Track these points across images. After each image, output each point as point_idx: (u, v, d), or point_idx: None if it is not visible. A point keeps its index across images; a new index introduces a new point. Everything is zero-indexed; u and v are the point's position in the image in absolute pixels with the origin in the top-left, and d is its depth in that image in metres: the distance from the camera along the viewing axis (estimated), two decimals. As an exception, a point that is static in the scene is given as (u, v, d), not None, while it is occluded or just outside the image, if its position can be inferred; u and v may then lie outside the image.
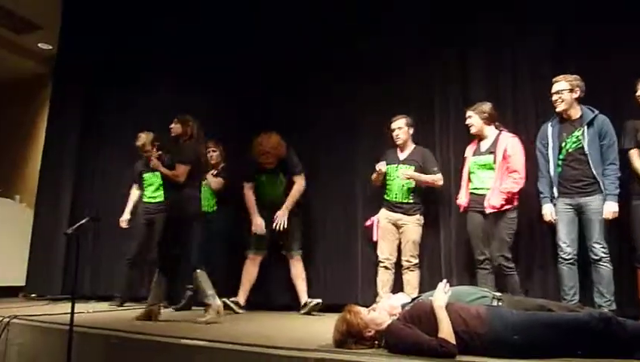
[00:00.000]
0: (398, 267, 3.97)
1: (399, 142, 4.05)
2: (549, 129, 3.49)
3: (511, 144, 3.56)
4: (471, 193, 3.68)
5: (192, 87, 5.21)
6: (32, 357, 3.34)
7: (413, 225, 3.93)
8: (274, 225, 4.17)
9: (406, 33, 4.44)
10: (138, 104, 5.56)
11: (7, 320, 3.53)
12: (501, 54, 4.08)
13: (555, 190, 3.42)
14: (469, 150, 3.79)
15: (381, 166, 3.97)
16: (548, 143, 3.47)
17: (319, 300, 4.06)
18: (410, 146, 4.08)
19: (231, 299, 4.15)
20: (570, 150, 3.37)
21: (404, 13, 4.47)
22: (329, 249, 4.49)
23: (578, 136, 3.36)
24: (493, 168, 3.59)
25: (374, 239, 4.08)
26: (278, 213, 4.19)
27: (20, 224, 6.15)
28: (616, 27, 3.59)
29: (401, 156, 4.07)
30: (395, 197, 3.99)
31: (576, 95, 3.38)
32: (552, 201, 3.44)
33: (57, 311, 3.87)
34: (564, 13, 3.86)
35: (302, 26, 4.87)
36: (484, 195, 3.58)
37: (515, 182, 3.49)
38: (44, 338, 3.32)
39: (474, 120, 3.70)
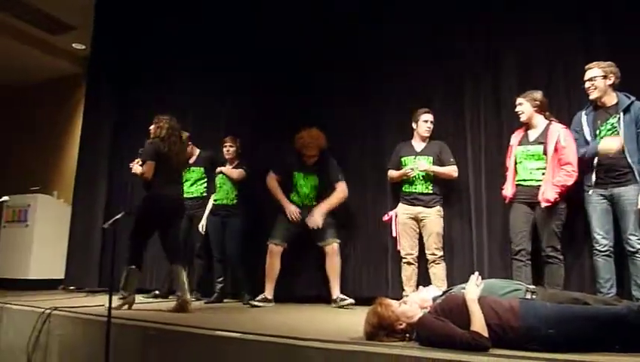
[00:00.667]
0: (422, 261, 3.94)
1: (428, 134, 4.02)
2: (584, 117, 3.40)
3: (563, 135, 3.39)
4: (517, 184, 3.56)
5: (221, 83, 5.33)
6: (72, 347, 3.46)
7: (434, 217, 3.90)
8: (310, 225, 4.16)
9: (433, 24, 4.38)
10: (170, 100, 5.65)
11: (49, 311, 3.67)
12: (533, 44, 3.96)
13: (593, 177, 3.29)
14: (515, 138, 3.63)
15: (413, 168, 3.92)
16: (583, 131, 3.37)
17: (352, 301, 4.02)
18: (427, 139, 4.06)
19: (257, 299, 4.19)
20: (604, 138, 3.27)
21: (431, 3, 4.41)
22: (359, 243, 4.49)
23: (613, 124, 3.26)
24: (542, 159, 3.45)
25: (394, 234, 4.05)
26: (315, 211, 4.18)
27: (59, 219, 6.36)
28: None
29: (418, 148, 4.04)
30: (415, 189, 3.95)
31: (610, 82, 3.28)
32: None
33: (95, 303, 4.00)
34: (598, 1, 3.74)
35: (327, 21, 4.86)
36: (530, 187, 3.47)
37: (569, 175, 3.32)
38: (84, 330, 3.43)
39: (525, 107, 3.55)
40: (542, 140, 3.48)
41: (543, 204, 3.36)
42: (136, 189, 5.53)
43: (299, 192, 4.40)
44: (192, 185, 4.89)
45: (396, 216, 4.04)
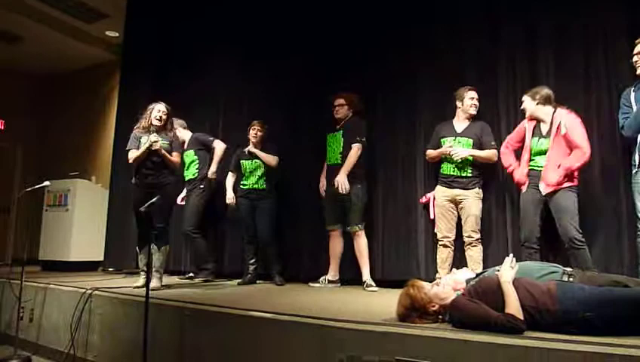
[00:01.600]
0: (459, 243, 3.89)
1: (475, 111, 3.94)
2: (632, 93, 3.27)
3: (564, 121, 3.36)
4: (531, 169, 3.51)
5: (256, 69, 5.37)
6: (112, 326, 3.60)
7: (473, 199, 3.82)
8: (338, 189, 4.15)
9: (470, 9, 4.27)
10: (204, 87, 5.74)
11: (90, 291, 3.82)
12: (571, 27, 3.81)
13: (637, 157, 3.19)
14: (529, 126, 3.59)
15: (449, 150, 3.84)
16: (632, 107, 3.24)
17: (376, 289, 4.05)
18: (467, 121, 3.97)
19: (320, 280, 4.32)
20: None
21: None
22: (391, 225, 4.45)
23: None
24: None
25: (431, 217, 4.02)
26: (337, 178, 4.16)
27: (97, 203, 6.55)
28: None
29: (459, 129, 3.95)
30: (453, 171, 3.89)
31: None
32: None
33: (133, 284, 4.13)
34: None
35: (362, 7, 4.79)
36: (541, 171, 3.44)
37: (577, 159, 3.30)
38: (123, 309, 3.56)
39: (526, 103, 3.56)
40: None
41: (546, 189, 3.35)
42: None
43: (328, 152, 4.45)
44: (187, 169, 5.01)
45: (434, 198, 4.00)
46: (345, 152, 4.27)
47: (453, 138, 3.92)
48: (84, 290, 3.87)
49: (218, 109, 5.67)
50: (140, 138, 4.10)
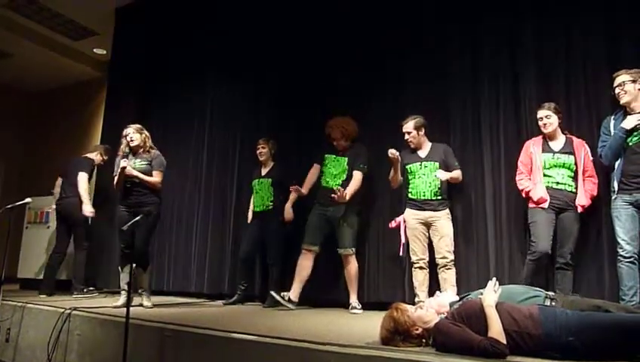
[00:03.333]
0: (433, 266, 3.90)
1: (411, 145, 4.01)
2: (612, 122, 3.37)
3: (586, 150, 3.54)
4: (549, 188, 3.52)
5: (242, 86, 5.42)
6: (91, 347, 3.51)
7: (445, 220, 3.86)
8: (336, 195, 4.14)
9: (453, 35, 4.37)
10: (189, 106, 5.75)
11: (69, 311, 3.73)
12: (553, 54, 3.92)
13: (615, 184, 3.27)
14: (536, 147, 3.62)
15: (393, 151, 3.90)
16: (610, 136, 3.33)
17: (360, 311, 4.03)
18: (428, 145, 4.03)
19: (282, 294, 4.21)
20: (631, 144, 3.22)
21: (449, 8, 4.40)
22: (375, 247, 4.46)
23: None
24: (571, 168, 3.52)
25: (403, 241, 4.02)
26: (343, 189, 4.16)
27: (80, 221, 6.43)
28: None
29: (422, 154, 4.01)
30: (423, 195, 3.91)
31: (639, 86, 3.25)
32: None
33: (114, 303, 4.05)
34: (618, 11, 3.69)
35: (350, 23, 4.87)
36: (562, 191, 3.49)
37: (595, 185, 3.50)
38: (102, 330, 3.48)
39: (553, 119, 3.58)
40: (569, 151, 3.55)
41: (580, 209, 3.46)
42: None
43: (326, 174, 4.42)
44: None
45: (404, 221, 4.01)
46: (349, 180, 4.30)
47: (419, 163, 3.96)
48: (62, 310, 3.78)
49: (204, 128, 5.68)
50: (120, 163, 4.17)
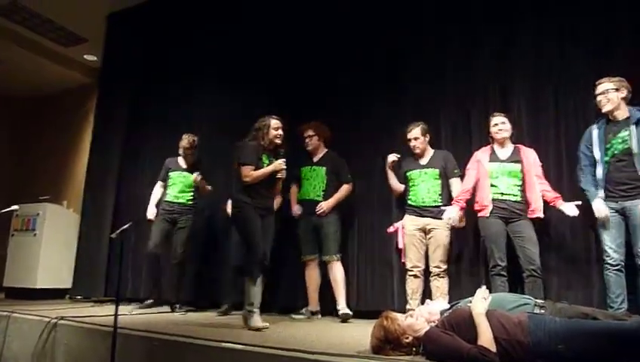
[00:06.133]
0: (427, 273, 3.90)
1: (417, 151, 4.02)
2: (594, 131, 3.39)
3: (535, 156, 3.62)
4: (494, 199, 3.58)
5: (234, 93, 5.36)
6: (77, 357, 3.46)
7: (443, 229, 3.85)
8: (317, 209, 4.20)
9: (442, 44, 4.42)
10: (178, 113, 5.73)
11: (55, 321, 3.68)
12: (541, 63, 3.99)
13: (601, 192, 3.30)
14: (484, 155, 3.71)
15: (391, 156, 3.98)
16: (593, 145, 3.37)
17: (350, 314, 4.01)
18: (430, 151, 4.05)
19: (302, 311, 4.25)
20: (616, 152, 3.26)
21: (437, 19, 4.46)
22: (365, 255, 4.46)
23: (624, 137, 3.24)
24: (517, 176, 3.58)
25: (400, 246, 4.03)
26: (322, 203, 4.23)
27: (68, 228, 6.37)
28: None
29: (422, 161, 4.03)
30: (423, 202, 3.93)
31: (622, 95, 3.29)
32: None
33: (101, 312, 4.01)
34: (608, 23, 3.77)
35: (341, 32, 4.91)
36: (509, 201, 3.55)
37: (550, 191, 3.56)
38: (89, 339, 3.43)
39: (508, 126, 3.68)
40: (516, 159, 3.62)
41: (537, 215, 3.51)
42: (145, 199, 5.55)
43: (305, 186, 4.40)
44: (181, 192, 4.89)
45: (402, 227, 4.01)
46: (329, 190, 4.31)
47: (419, 170, 3.98)
48: (49, 319, 3.73)
49: (200, 134, 5.63)
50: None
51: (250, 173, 3.58)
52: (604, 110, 3.33)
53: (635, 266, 3.15)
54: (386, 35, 4.68)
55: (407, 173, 4.04)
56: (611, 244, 3.22)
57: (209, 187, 4.89)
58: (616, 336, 2.05)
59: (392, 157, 4.05)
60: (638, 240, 3.13)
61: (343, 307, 4.10)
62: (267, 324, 3.45)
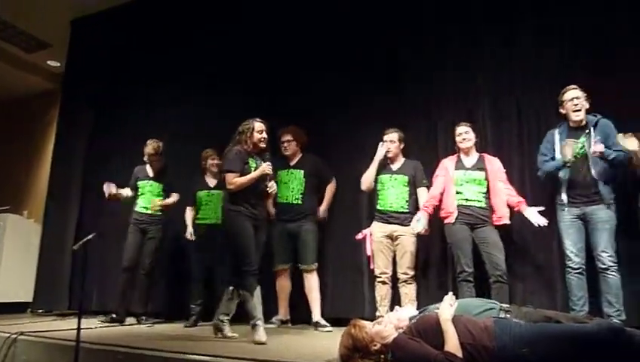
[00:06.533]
0: (395, 280, 3.93)
1: (391, 155, 4.06)
2: (557, 135, 3.49)
3: (498, 164, 3.69)
4: (459, 205, 3.65)
5: (198, 100, 5.34)
6: (38, 374, 3.34)
7: (409, 236, 3.88)
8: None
9: (411, 54, 4.49)
10: (144, 119, 5.63)
11: (14, 336, 3.54)
12: (504, 71, 4.11)
13: (564, 196, 3.38)
14: (450, 163, 3.78)
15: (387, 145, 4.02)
16: (554, 149, 3.46)
17: (330, 329, 3.94)
18: (401, 159, 4.10)
19: (272, 320, 4.16)
20: (579, 157, 3.34)
21: (405, 35, 4.53)
22: (336, 262, 4.46)
23: (583, 143, 3.35)
24: (482, 184, 3.66)
25: (368, 253, 4.05)
26: (320, 211, 4.37)
27: (29, 240, 6.19)
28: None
29: (394, 167, 4.07)
30: (390, 207, 3.96)
31: (587, 105, 3.41)
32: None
33: (64, 326, 3.88)
34: (570, 34, 3.92)
35: (303, 37, 4.94)
36: (474, 207, 3.62)
37: (515, 196, 3.64)
38: (50, 354, 3.31)
39: (472, 135, 3.75)
40: (480, 167, 3.69)
41: (503, 221, 3.59)
42: (109, 209, 5.42)
43: (283, 189, 4.32)
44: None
45: (370, 234, 4.03)
46: (308, 192, 4.30)
47: (390, 175, 4.02)
48: (8, 335, 3.57)
49: (165, 141, 5.54)
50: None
51: (233, 180, 3.42)
52: (576, 118, 3.40)
53: (596, 269, 3.24)
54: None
55: (379, 176, 4.06)
56: (572, 248, 3.30)
57: (173, 197, 4.77)
58: (578, 339, 2.09)
59: (387, 147, 4.03)
60: (598, 245, 3.23)
61: (318, 317, 4.08)
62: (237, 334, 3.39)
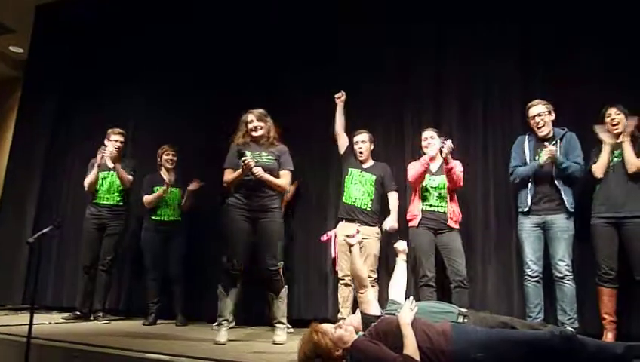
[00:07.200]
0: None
1: (362, 157, 4.07)
2: (527, 142, 3.57)
3: (460, 168, 3.71)
4: (422, 210, 3.72)
5: (162, 92, 5.30)
6: (-14, 371, 3.21)
7: (373, 239, 3.91)
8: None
9: (381, 57, 4.51)
10: (106, 112, 5.49)
11: (-38, 331, 3.39)
12: (472, 78, 4.18)
13: (527, 206, 3.45)
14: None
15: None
16: (524, 154, 3.54)
17: (291, 330, 3.86)
18: (371, 161, 4.12)
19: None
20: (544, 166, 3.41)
21: (374, 34, 4.56)
22: (299, 263, 4.45)
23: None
24: (443, 188, 3.72)
25: (332, 255, 4.05)
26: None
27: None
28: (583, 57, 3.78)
29: (364, 165, 4.09)
30: (354, 202, 3.97)
31: (552, 117, 3.50)
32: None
33: (15, 321, 3.74)
34: (534, 43, 4.01)
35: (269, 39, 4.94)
36: (438, 212, 3.69)
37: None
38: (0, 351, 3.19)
39: (437, 140, 3.78)
40: (441, 172, 3.73)
41: (453, 225, 3.66)
42: (68, 203, 5.27)
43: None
44: (109, 192, 4.62)
45: (335, 236, 4.04)
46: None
47: (360, 171, 4.03)
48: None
49: (129, 135, 5.42)
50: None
51: (225, 177, 3.47)
52: (541, 134, 3.48)
53: (552, 278, 3.34)
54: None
55: (349, 168, 4.06)
56: (531, 257, 3.39)
57: (129, 177, 4.62)
58: (531, 345, 2.15)
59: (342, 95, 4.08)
60: (556, 253, 3.33)
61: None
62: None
